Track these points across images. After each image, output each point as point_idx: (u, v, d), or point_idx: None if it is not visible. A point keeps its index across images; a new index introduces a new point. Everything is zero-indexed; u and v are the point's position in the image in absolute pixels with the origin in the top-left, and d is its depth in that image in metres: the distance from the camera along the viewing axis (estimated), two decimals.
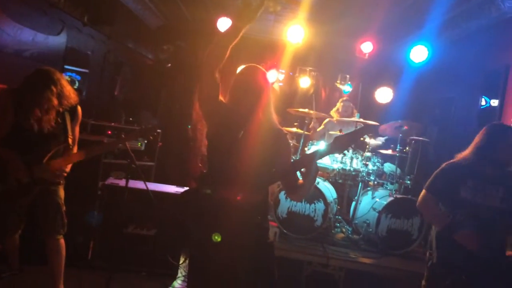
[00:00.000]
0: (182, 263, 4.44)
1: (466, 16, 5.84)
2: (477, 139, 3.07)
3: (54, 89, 3.28)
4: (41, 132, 3.27)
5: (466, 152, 3.06)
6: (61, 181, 3.47)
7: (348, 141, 2.26)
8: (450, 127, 6.42)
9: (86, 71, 6.29)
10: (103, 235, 4.32)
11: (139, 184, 4.32)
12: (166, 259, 4.33)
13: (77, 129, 3.58)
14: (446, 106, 6.89)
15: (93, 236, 4.37)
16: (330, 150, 2.30)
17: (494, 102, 5.75)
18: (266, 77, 2.46)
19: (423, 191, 3.08)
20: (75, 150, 3.53)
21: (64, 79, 3.45)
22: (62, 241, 3.48)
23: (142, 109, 7.04)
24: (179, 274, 4.40)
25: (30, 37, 4.86)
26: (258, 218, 2.44)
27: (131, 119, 6.32)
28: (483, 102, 5.79)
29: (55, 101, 3.29)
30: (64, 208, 3.49)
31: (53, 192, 3.42)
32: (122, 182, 4.33)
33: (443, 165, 3.08)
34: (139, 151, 5.82)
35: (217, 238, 2.29)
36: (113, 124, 5.66)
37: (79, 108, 3.56)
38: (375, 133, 5.62)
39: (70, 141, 3.44)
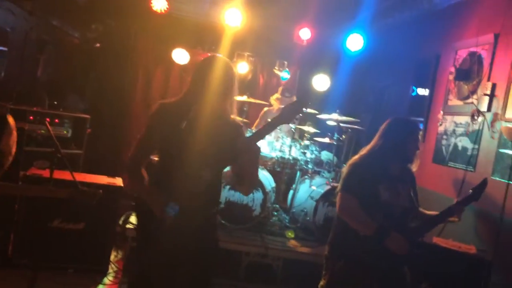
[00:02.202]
0: (113, 258, 4.24)
1: (399, 6, 5.97)
2: (380, 134, 2.93)
3: None
4: None
5: (372, 148, 2.93)
6: None
7: (296, 109, 2.20)
8: (382, 115, 6.59)
9: (5, 49, 5.75)
10: (25, 230, 3.97)
11: (65, 175, 4.00)
12: (96, 254, 4.08)
13: (8, 141, 3.06)
14: (379, 94, 7.08)
15: (14, 231, 4.01)
16: (281, 120, 2.22)
17: (422, 91, 5.96)
18: (227, 63, 2.40)
19: (340, 194, 2.82)
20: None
21: None
22: None
23: (68, 92, 6.56)
24: (110, 270, 4.16)
25: None
26: (215, 208, 2.48)
27: (55, 103, 5.86)
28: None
29: None
30: None
31: None
32: (46, 173, 3.99)
33: (351, 162, 2.91)
34: (66, 138, 5.42)
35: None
36: (35, 108, 5.21)
37: (9, 118, 3.08)
38: (313, 121, 5.63)
39: None
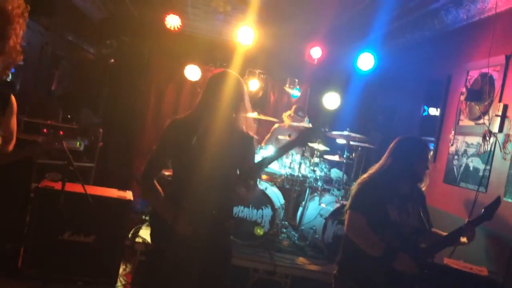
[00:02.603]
0: (122, 272, 4.23)
1: (411, 27, 6.02)
2: (390, 153, 2.90)
3: None
4: None
5: (381, 167, 2.90)
6: None
7: (310, 136, 2.26)
8: (392, 134, 6.57)
9: (21, 63, 5.84)
10: (36, 242, 3.99)
11: (77, 187, 4.03)
12: (105, 267, 4.09)
13: (13, 121, 3.09)
14: (389, 113, 7.07)
15: (24, 243, 4.03)
16: (296, 144, 2.28)
17: (433, 111, 5.95)
18: (239, 80, 2.47)
19: (349, 213, 2.78)
20: (10, 147, 3.13)
21: None
22: None
23: (82, 106, 6.65)
24: (118, 283, 4.16)
25: None
26: (230, 222, 2.50)
27: (69, 116, 5.94)
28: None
29: None
30: None
31: None
32: (58, 185, 4.02)
33: (360, 181, 2.88)
34: (78, 151, 5.47)
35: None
36: (49, 122, 5.28)
37: (12, 97, 3.15)
38: (324, 139, 5.64)
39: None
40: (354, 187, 2.91)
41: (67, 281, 3.98)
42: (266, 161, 2.30)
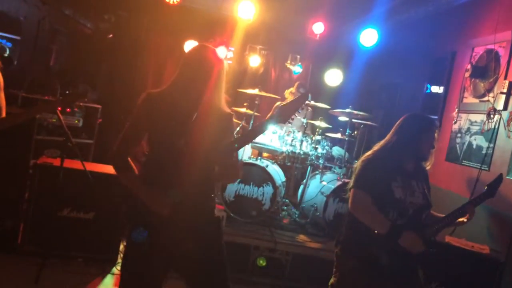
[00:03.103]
0: (122, 248, 4.22)
1: (415, 2, 5.88)
2: (395, 131, 2.83)
3: None
4: None
5: (386, 144, 2.84)
6: None
7: (289, 110, 2.14)
8: (395, 112, 6.52)
9: (18, 38, 5.76)
10: (35, 218, 3.97)
11: (76, 164, 4.00)
12: (105, 243, 4.08)
13: (1, 96, 3.04)
14: (392, 90, 7.00)
15: (23, 219, 4.01)
16: (273, 120, 2.16)
17: (436, 89, 5.88)
18: (216, 54, 2.30)
19: (353, 191, 2.73)
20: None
21: None
22: None
23: (80, 82, 6.57)
24: (119, 260, 4.16)
25: None
26: (211, 196, 2.39)
27: (67, 92, 5.86)
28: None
29: None
30: None
31: None
32: (57, 161, 3.98)
33: (364, 158, 2.82)
34: (77, 127, 5.42)
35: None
36: (47, 97, 5.21)
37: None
38: (325, 117, 5.57)
39: None
40: (358, 164, 2.86)
41: (67, 258, 3.97)
42: (262, 127, 2.20)
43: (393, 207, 2.76)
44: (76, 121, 5.43)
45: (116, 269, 4.03)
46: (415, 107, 6.08)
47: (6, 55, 5.75)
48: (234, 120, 2.42)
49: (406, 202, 2.77)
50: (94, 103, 5.87)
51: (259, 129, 2.19)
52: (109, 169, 4.27)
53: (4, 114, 3.04)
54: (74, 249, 4.03)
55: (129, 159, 2.26)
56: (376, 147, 2.90)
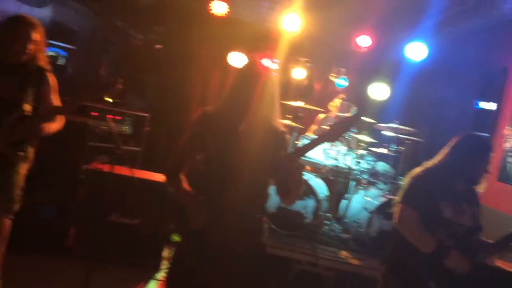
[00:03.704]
0: (166, 255, 4.30)
1: (466, 15, 5.74)
2: (450, 150, 2.76)
3: (32, 33, 3.00)
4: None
5: (439, 162, 2.77)
6: (21, 156, 3.09)
7: (342, 128, 2.14)
8: (442, 128, 6.35)
9: (72, 47, 6.01)
10: (84, 222, 4.12)
11: (124, 170, 4.12)
12: (149, 250, 4.17)
13: (54, 97, 3.20)
14: (439, 106, 6.82)
15: (74, 222, 4.17)
16: (324, 138, 2.17)
17: (486, 105, 5.70)
18: (265, 69, 2.34)
19: (400, 206, 2.68)
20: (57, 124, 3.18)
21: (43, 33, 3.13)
22: (7, 223, 3.10)
23: (129, 91, 6.78)
24: (162, 266, 4.23)
25: (14, 8, 4.60)
26: (256, 216, 2.37)
27: (117, 100, 6.06)
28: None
29: (27, 49, 3.00)
30: (18, 186, 3.10)
31: (10, 165, 3.05)
32: (106, 167, 4.12)
33: (414, 175, 2.76)
34: (125, 135, 5.59)
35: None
36: (98, 105, 5.40)
37: (48, 74, 3.16)
38: (370, 131, 5.51)
39: (27, 108, 3.06)
40: (407, 179, 2.80)
41: (113, 262, 4.08)
42: (311, 144, 2.20)
43: (441, 227, 2.69)
44: (125, 129, 5.60)
45: (159, 276, 4.11)
46: (463, 123, 5.90)
47: (60, 63, 6.03)
48: (288, 136, 2.43)
49: (454, 223, 2.70)
50: (142, 111, 6.03)
51: (315, 143, 2.20)
52: (155, 176, 4.38)
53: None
54: (119, 253, 4.15)
55: (180, 175, 2.33)
56: (427, 164, 2.84)
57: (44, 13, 5.18)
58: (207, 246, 2.23)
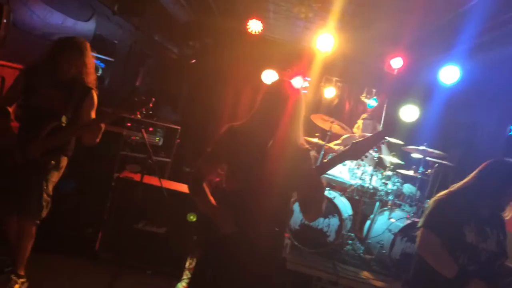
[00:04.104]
0: (188, 266, 4.39)
1: (502, 40, 5.66)
2: (478, 175, 2.76)
3: (79, 56, 3.27)
4: (43, 107, 3.21)
5: (464, 187, 2.77)
6: (53, 164, 3.28)
7: (365, 146, 2.17)
8: (474, 152, 6.26)
9: (111, 59, 6.26)
10: (113, 228, 4.26)
11: (153, 180, 4.26)
12: (173, 259, 4.26)
13: (93, 114, 3.42)
14: (471, 130, 6.72)
15: (103, 228, 4.32)
16: (347, 156, 2.20)
17: None
18: (294, 88, 2.41)
19: (422, 230, 2.71)
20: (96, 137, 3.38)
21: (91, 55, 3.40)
22: (34, 228, 3.28)
23: (162, 103, 6.98)
24: (184, 276, 4.32)
25: (59, 21, 4.83)
26: (276, 230, 2.41)
27: (150, 112, 6.26)
28: None
29: (74, 69, 3.26)
30: (47, 193, 3.27)
31: (42, 172, 3.24)
32: (137, 176, 4.27)
33: (438, 198, 2.77)
34: (157, 146, 5.76)
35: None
36: (132, 116, 5.60)
37: (93, 92, 3.42)
38: (398, 152, 5.48)
39: (64, 120, 3.27)
40: (431, 203, 2.81)
41: (137, 268, 4.20)
42: (334, 161, 2.25)
43: (463, 252, 2.68)
44: (157, 140, 5.77)
45: (181, 285, 4.19)
46: (496, 149, 5.80)
47: (98, 74, 6.28)
48: (312, 154, 2.48)
49: (478, 248, 2.68)
50: (174, 124, 6.20)
51: (337, 160, 2.24)
52: (184, 187, 4.49)
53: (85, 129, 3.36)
54: (144, 260, 4.26)
55: (204, 184, 2.41)
56: (453, 188, 2.83)
57: (88, 26, 5.43)
58: (228, 259, 2.30)
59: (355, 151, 2.19)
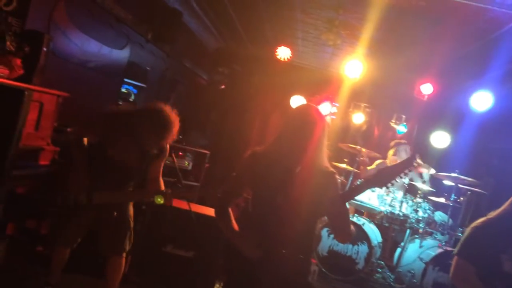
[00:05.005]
0: None
1: None
2: None
3: (165, 138, 3.23)
4: (121, 163, 3.24)
5: (502, 213, 2.62)
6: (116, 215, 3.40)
7: (391, 174, 2.14)
8: (508, 180, 6.07)
9: (144, 85, 6.44)
10: (142, 251, 4.30)
11: (182, 204, 4.30)
12: (201, 283, 4.26)
13: (161, 164, 3.52)
14: (506, 157, 6.55)
15: (132, 250, 4.36)
16: (372, 184, 2.18)
17: None
18: (320, 113, 2.41)
19: (456, 259, 2.61)
20: (158, 185, 3.48)
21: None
22: (124, 259, 3.47)
23: (192, 128, 7.10)
24: None
25: (96, 49, 5.03)
26: (300, 257, 2.37)
27: (180, 137, 6.37)
28: None
29: (153, 150, 3.28)
30: (132, 225, 3.46)
31: (124, 210, 3.40)
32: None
33: (474, 225, 2.65)
34: (186, 170, 5.84)
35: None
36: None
37: (168, 146, 3.48)
38: (430, 180, 5.39)
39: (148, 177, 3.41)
40: (468, 230, 2.74)
41: None
42: (360, 188, 2.24)
43: (500, 281, 2.58)
44: (187, 164, 5.85)
45: None
46: None
47: (130, 99, 6.45)
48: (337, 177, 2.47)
49: None
50: (204, 149, 6.29)
51: (362, 187, 2.23)
52: (210, 211, 4.51)
53: (158, 181, 3.50)
54: (172, 284, 4.26)
55: (229, 209, 2.43)
56: (490, 215, 2.75)
57: (122, 54, 5.63)
58: (252, 283, 2.29)
59: (380, 178, 2.17)
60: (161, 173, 3.52)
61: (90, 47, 4.89)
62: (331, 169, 2.42)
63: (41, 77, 3.76)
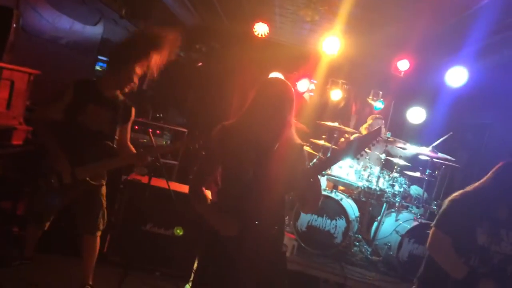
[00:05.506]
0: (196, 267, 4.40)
1: (508, 42, 5.66)
2: (495, 175, 2.74)
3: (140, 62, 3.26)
4: (90, 129, 3.17)
5: (479, 187, 2.75)
6: (104, 180, 3.42)
7: (360, 145, 2.15)
8: (481, 154, 6.23)
9: None
10: (121, 230, 4.28)
11: (161, 183, 4.28)
12: (181, 261, 4.28)
13: (128, 128, 3.49)
14: (479, 132, 6.70)
15: (111, 230, 4.33)
16: (342, 154, 2.18)
17: None
18: (291, 88, 2.35)
19: (433, 230, 2.71)
20: (130, 149, 3.47)
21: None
22: (98, 238, 3.47)
23: (169, 106, 7.03)
24: (192, 278, 4.33)
25: (67, 25, 4.89)
26: (275, 228, 2.40)
27: (157, 115, 6.30)
28: None
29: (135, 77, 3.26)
30: (105, 205, 3.45)
31: (97, 190, 3.36)
32: (144, 179, 4.29)
33: (451, 198, 2.74)
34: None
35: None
36: (140, 119, 5.65)
37: (133, 109, 3.45)
38: (405, 154, 5.48)
39: (117, 142, 3.38)
40: (445, 203, 2.80)
41: (145, 271, 4.21)
42: (330, 160, 2.25)
43: (474, 254, 2.66)
44: (164, 143, 5.81)
45: (189, 287, 4.20)
46: (505, 149, 5.77)
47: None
48: (309, 150, 2.46)
49: (490, 250, 2.66)
50: (182, 127, 6.24)
51: (333, 159, 2.24)
52: None
53: (128, 145, 3.48)
54: (152, 263, 4.27)
55: (203, 189, 2.40)
56: (468, 188, 2.81)
57: (95, 30, 5.49)
58: (229, 255, 2.31)
59: (349, 149, 2.16)
60: (129, 138, 3.51)
61: (61, 23, 4.75)
62: (299, 141, 2.41)
63: (11, 55, 3.64)
